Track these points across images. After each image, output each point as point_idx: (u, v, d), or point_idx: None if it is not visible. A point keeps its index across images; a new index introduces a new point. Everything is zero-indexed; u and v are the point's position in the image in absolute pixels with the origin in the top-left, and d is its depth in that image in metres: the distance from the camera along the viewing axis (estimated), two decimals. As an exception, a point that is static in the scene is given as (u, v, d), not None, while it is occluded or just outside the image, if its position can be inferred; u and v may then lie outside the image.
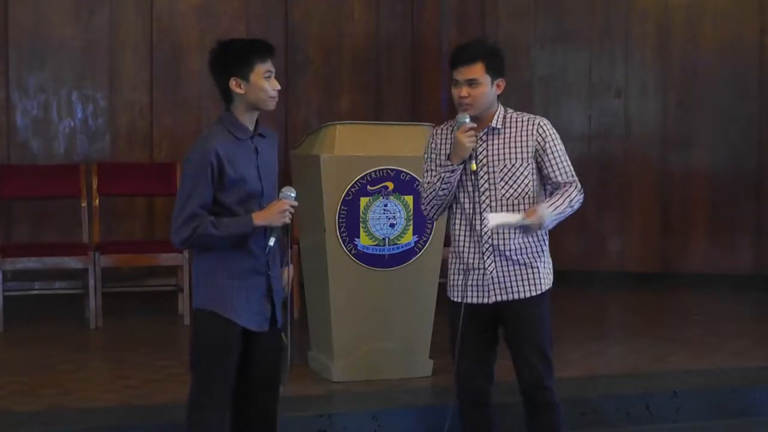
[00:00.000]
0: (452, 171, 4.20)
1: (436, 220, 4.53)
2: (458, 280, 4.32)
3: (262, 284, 3.95)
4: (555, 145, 4.26)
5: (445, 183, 4.21)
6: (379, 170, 5.52)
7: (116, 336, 6.95)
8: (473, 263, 4.26)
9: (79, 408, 5.18)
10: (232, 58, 3.90)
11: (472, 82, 4.19)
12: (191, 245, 3.91)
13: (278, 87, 3.95)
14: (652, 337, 6.99)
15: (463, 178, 4.23)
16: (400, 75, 9.03)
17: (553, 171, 4.24)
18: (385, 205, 5.55)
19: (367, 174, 5.50)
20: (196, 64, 8.21)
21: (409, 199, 5.57)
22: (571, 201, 4.21)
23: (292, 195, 3.93)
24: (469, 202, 4.24)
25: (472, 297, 4.27)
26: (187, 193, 3.85)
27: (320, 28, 8.82)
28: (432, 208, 4.32)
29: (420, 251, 5.62)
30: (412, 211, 5.58)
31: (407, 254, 5.60)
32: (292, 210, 3.92)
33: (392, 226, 5.57)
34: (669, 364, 6.24)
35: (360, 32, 8.91)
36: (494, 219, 4.13)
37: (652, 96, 9.13)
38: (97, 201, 7.60)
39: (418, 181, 5.56)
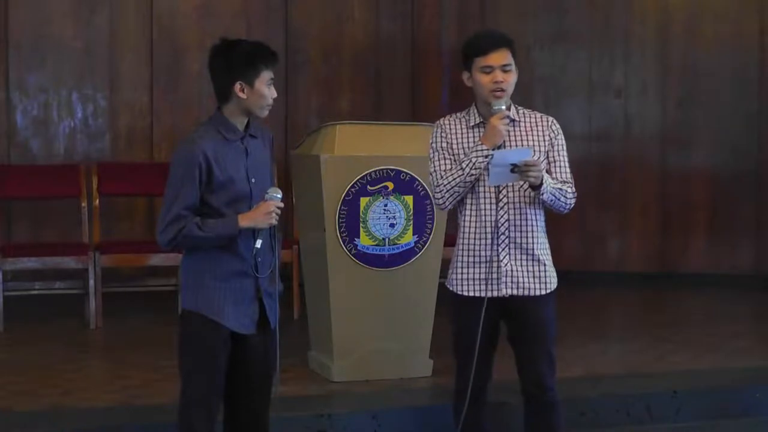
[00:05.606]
0: (486, 156, 4.10)
1: (447, 209, 4.32)
2: (466, 272, 4.22)
3: (250, 286, 3.89)
4: (562, 146, 4.28)
5: (475, 168, 4.11)
6: (379, 170, 5.51)
7: (116, 336, 6.94)
8: (485, 255, 4.16)
9: (79, 408, 5.18)
10: (240, 61, 3.82)
11: (506, 67, 4.19)
12: (176, 246, 3.85)
13: (275, 95, 3.89)
14: (652, 337, 6.99)
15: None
16: (400, 75, 9.02)
17: (556, 169, 4.23)
18: (385, 205, 5.54)
19: (367, 174, 5.49)
20: (196, 64, 8.20)
21: (409, 199, 5.57)
22: (565, 193, 4.19)
23: (278, 196, 3.84)
24: (485, 192, 4.16)
25: (481, 291, 4.17)
26: (174, 195, 3.79)
27: (320, 28, 8.81)
28: (451, 195, 4.18)
29: (420, 251, 5.61)
30: (412, 211, 5.57)
31: (407, 254, 5.60)
32: (279, 211, 3.84)
33: (392, 226, 5.56)
34: (669, 364, 6.23)
35: (360, 32, 8.90)
36: (500, 155, 4.04)
37: (652, 96, 9.12)
38: (97, 201, 7.58)
39: (418, 180, 5.56)
